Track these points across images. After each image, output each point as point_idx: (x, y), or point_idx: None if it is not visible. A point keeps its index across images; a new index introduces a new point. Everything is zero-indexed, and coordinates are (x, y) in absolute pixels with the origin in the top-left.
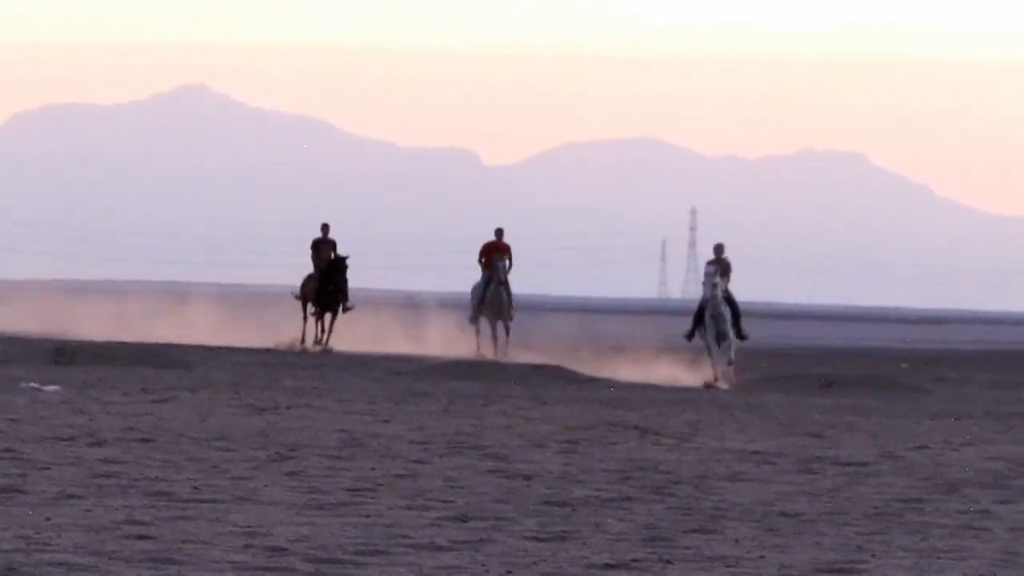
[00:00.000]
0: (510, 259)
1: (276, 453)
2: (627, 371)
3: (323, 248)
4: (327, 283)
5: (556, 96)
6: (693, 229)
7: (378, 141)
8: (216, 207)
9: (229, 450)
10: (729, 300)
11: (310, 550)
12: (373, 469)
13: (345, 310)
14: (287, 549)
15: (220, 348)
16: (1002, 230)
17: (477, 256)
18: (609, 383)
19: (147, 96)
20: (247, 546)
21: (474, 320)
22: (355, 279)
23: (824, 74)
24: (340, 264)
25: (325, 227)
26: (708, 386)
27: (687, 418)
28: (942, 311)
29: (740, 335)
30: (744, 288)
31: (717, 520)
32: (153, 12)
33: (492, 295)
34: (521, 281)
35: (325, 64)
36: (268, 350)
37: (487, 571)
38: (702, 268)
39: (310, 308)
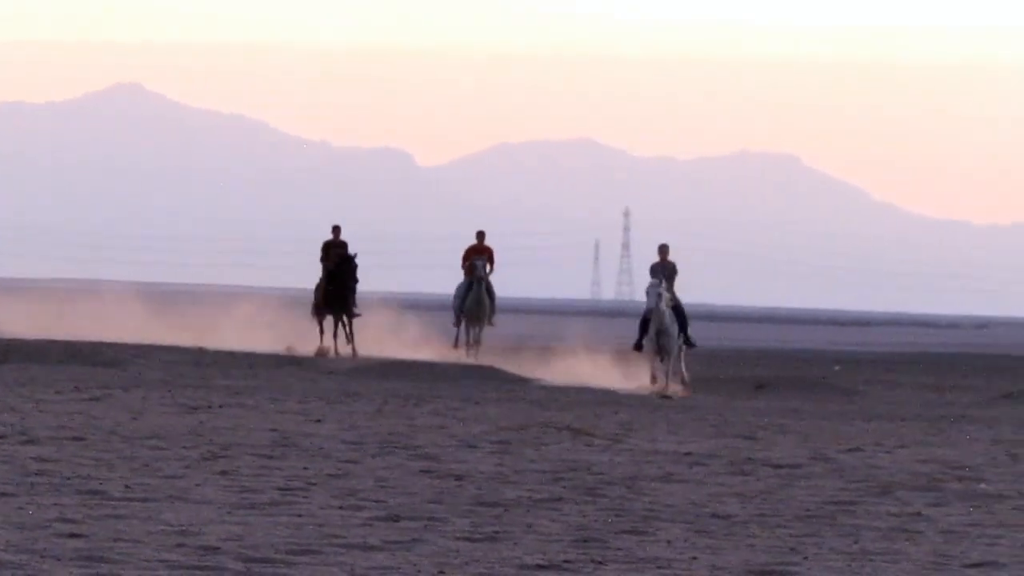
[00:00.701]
0: (491, 261)
1: (208, 452)
2: (559, 372)
3: (333, 250)
4: (332, 286)
5: (490, 96)
6: (627, 230)
7: (312, 141)
8: (150, 206)
9: (161, 449)
10: (676, 308)
11: (242, 549)
12: (305, 468)
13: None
14: (219, 548)
15: (152, 347)
16: (937, 233)
17: (460, 260)
18: (540, 384)
19: (81, 95)
20: (179, 545)
21: (457, 324)
22: (291, 279)
23: (759, 76)
24: (348, 265)
25: (336, 228)
26: (662, 396)
27: (619, 419)
28: (875, 313)
29: (688, 342)
30: (678, 290)
31: (649, 521)
32: (88, 10)
33: (473, 299)
34: (454, 283)
35: (260, 64)
36: (200, 349)
37: (419, 571)
38: (636, 270)
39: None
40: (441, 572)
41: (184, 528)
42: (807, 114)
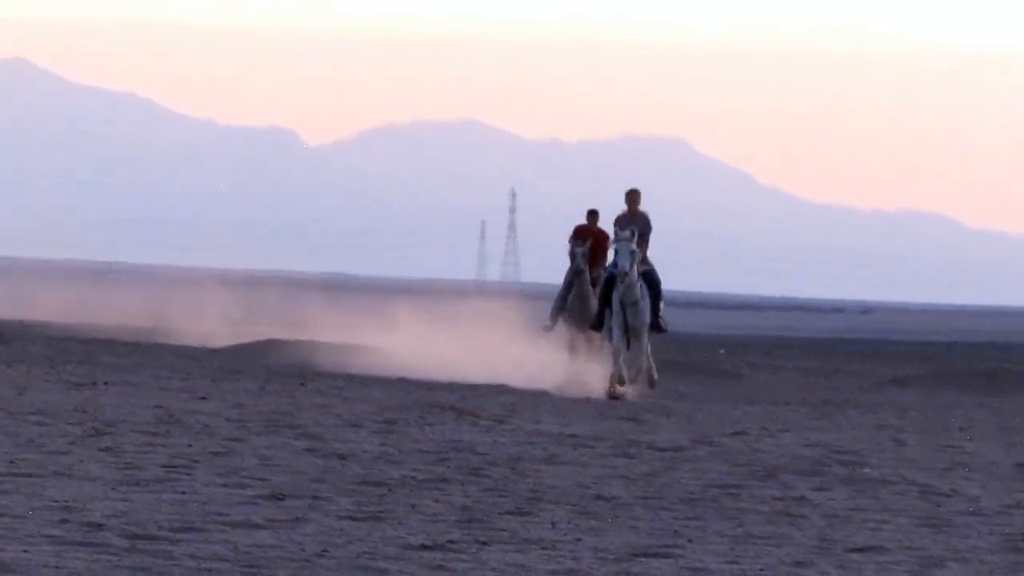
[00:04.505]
0: (600, 248)
1: (92, 428)
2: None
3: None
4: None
5: (377, 76)
6: (513, 212)
7: (198, 119)
8: (36, 182)
9: (45, 425)
10: (648, 278)
11: (126, 526)
12: (189, 446)
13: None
14: (103, 524)
15: (36, 323)
16: (822, 218)
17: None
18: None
19: None
20: (63, 521)
21: (551, 326)
22: (181, 259)
23: (646, 60)
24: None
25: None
26: (613, 397)
27: (504, 400)
28: (760, 297)
29: (657, 326)
30: (560, 274)
31: (533, 503)
32: None
33: (574, 297)
34: (339, 262)
35: (148, 42)
36: (86, 324)
37: (303, 549)
38: (522, 251)
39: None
40: (325, 551)
41: (68, 504)
42: (694, 98)
